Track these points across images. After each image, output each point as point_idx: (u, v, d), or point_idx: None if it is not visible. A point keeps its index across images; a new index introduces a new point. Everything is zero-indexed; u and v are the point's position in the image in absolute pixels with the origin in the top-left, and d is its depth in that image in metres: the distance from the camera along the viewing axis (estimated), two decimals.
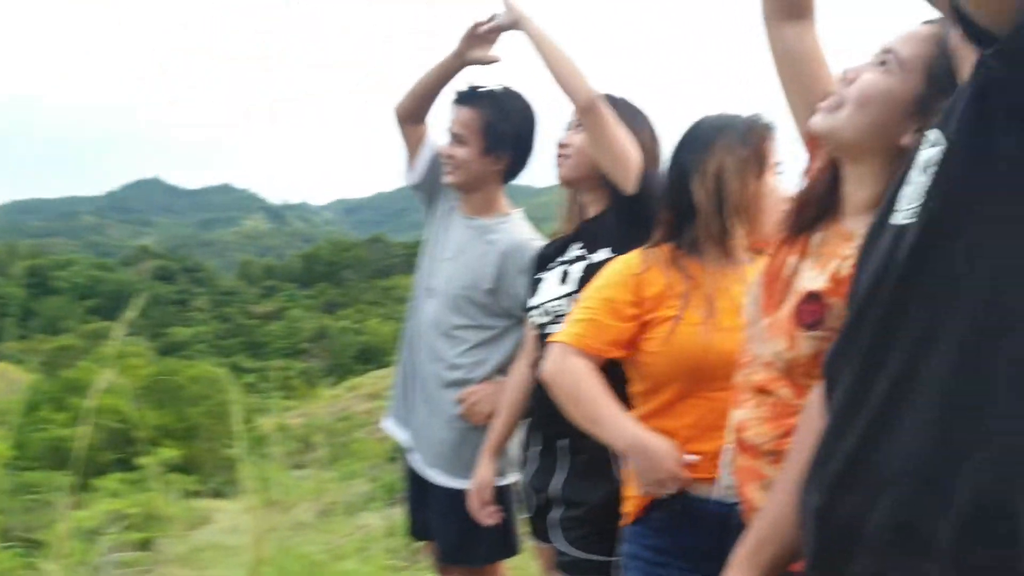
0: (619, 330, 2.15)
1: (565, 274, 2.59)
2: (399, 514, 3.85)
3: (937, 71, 1.49)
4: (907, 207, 1.16)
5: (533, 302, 2.64)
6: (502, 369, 2.92)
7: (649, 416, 2.17)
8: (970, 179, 1.07)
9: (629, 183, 2.47)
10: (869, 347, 1.15)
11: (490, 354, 2.92)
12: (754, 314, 1.75)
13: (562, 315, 2.51)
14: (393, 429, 3.13)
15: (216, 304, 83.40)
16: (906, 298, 1.11)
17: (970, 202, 1.06)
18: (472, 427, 2.89)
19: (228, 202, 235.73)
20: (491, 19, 2.82)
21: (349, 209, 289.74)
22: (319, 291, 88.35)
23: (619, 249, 2.44)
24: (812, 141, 1.82)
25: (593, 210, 2.66)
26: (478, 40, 2.88)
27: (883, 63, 1.55)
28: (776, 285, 1.70)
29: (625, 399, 2.23)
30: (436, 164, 3.06)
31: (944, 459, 1.03)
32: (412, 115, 3.08)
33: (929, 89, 1.50)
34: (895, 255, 1.14)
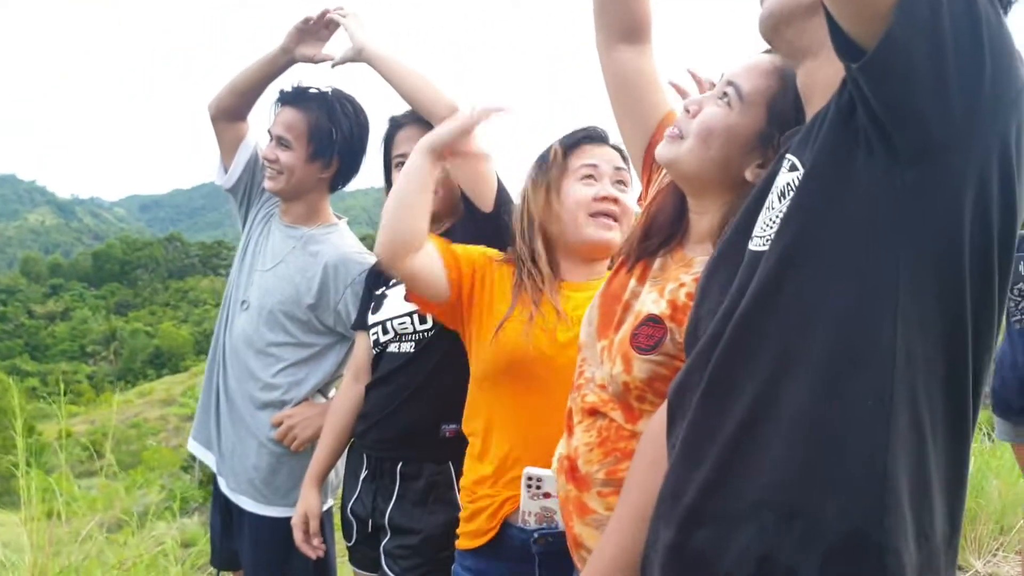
0: (461, 260, 2.16)
1: None
2: (194, 524, 3.67)
3: (779, 106, 1.48)
4: (763, 233, 1.14)
5: (374, 319, 2.50)
6: (322, 390, 2.75)
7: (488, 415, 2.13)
8: (829, 205, 1.05)
9: (488, 202, 2.38)
10: (722, 374, 1.11)
11: (309, 373, 2.71)
12: (590, 335, 1.72)
13: (407, 333, 2.41)
14: (198, 450, 2.87)
15: None
16: (762, 324, 1.08)
17: (828, 228, 1.05)
18: (286, 451, 2.69)
19: (11, 194, 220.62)
20: (323, 14, 2.64)
21: (144, 206, 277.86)
22: (110, 291, 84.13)
23: None
24: (646, 167, 1.81)
25: (435, 230, 2.52)
26: (308, 36, 2.68)
27: (724, 96, 1.53)
28: (614, 307, 1.67)
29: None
30: (253, 167, 2.85)
31: (808, 490, 1.00)
32: (230, 112, 2.82)
33: (771, 125, 1.49)
34: (751, 280, 1.11)
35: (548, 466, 1.86)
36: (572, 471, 1.67)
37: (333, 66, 2.59)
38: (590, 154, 2.06)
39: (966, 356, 1.03)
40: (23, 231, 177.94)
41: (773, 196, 1.16)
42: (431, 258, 2.11)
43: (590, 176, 2.04)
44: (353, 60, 2.52)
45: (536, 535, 1.97)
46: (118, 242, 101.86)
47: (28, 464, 3.99)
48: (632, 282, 1.67)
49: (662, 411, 1.34)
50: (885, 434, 0.98)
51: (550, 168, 2.09)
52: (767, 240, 1.12)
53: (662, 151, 1.58)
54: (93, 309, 77.08)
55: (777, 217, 1.11)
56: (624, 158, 2.07)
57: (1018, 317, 3.75)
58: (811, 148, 1.10)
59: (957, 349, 1.02)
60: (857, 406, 0.99)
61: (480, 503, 2.07)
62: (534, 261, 2.10)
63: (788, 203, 1.10)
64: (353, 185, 2.90)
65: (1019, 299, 3.74)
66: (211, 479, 2.96)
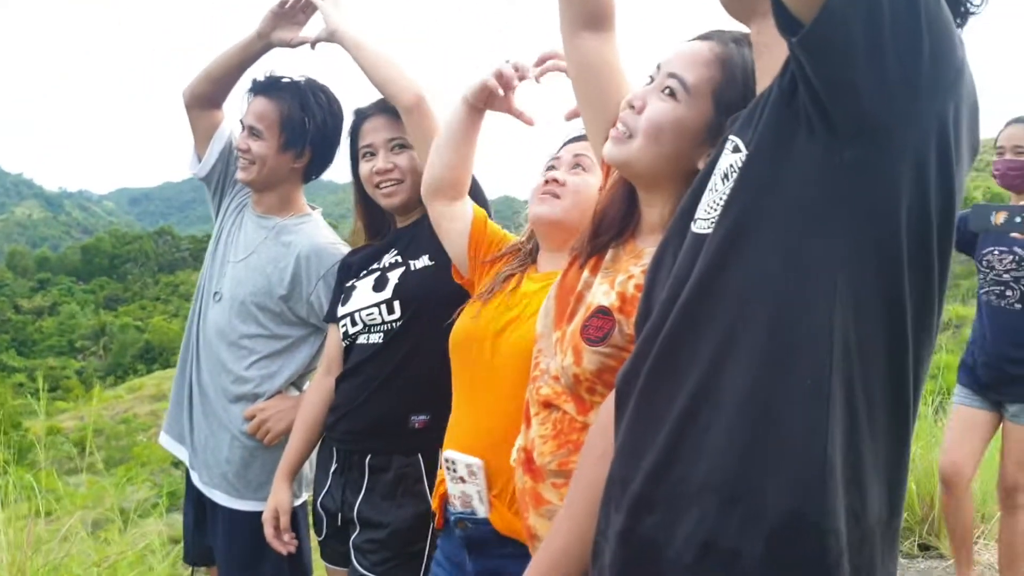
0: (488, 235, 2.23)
1: (381, 281, 2.45)
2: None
3: (726, 96, 1.48)
4: (707, 215, 1.14)
5: (343, 310, 2.48)
6: (295, 382, 2.73)
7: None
8: (771, 185, 1.05)
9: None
10: (666, 360, 1.11)
11: (282, 366, 2.69)
12: (546, 327, 1.73)
13: (376, 324, 2.40)
14: (170, 444, 2.84)
15: None
16: (705, 309, 1.08)
17: (769, 209, 1.04)
18: (259, 445, 2.66)
19: None
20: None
21: (134, 199, 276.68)
22: (99, 285, 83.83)
23: (437, 256, 2.37)
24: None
25: (402, 221, 2.55)
26: (284, 20, 2.64)
27: (669, 90, 1.51)
28: (569, 299, 1.68)
29: None
30: (227, 156, 2.81)
31: (749, 474, 1.01)
32: (205, 100, 2.79)
33: (719, 115, 1.48)
34: (695, 264, 1.11)
35: (470, 450, 1.92)
36: (528, 463, 1.69)
37: (312, 46, 2.57)
38: (563, 149, 2.07)
39: (905, 339, 1.03)
40: (9, 224, 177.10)
41: (716, 178, 1.16)
42: (462, 222, 2.20)
43: (552, 168, 2.05)
44: (327, 40, 2.50)
45: (454, 519, 1.98)
46: (107, 236, 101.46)
47: (7, 463, 3.97)
48: (585, 274, 1.67)
49: (610, 401, 1.34)
50: (824, 416, 0.99)
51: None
52: (711, 223, 1.11)
53: (610, 152, 1.57)
54: (82, 304, 76.81)
55: (721, 199, 1.11)
56: None
57: (986, 290, 3.80)
58: (753, 129, 1.10)
59: (896, 331, 1.02)
60: (796, 389, 1.00)
61: (440, 486, 2.08)
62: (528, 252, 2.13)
63: (731, 184, 1.10)
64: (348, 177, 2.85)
65: (987, 270, 3.79)
66: None
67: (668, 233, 1.29)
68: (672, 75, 1.50)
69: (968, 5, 1.14)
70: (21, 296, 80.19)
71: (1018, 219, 3.47)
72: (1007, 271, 3.74)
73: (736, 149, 1.13)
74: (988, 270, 3.80)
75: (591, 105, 1.76)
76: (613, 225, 1.67)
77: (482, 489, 1.91)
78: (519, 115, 2.17)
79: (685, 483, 1.05)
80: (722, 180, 1.13)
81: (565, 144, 2.08)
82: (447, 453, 1.99)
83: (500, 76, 2.10)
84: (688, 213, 1.21)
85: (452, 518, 1.99)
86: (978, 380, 3.87)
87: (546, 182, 2.01)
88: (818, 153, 1.01)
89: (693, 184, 1.26)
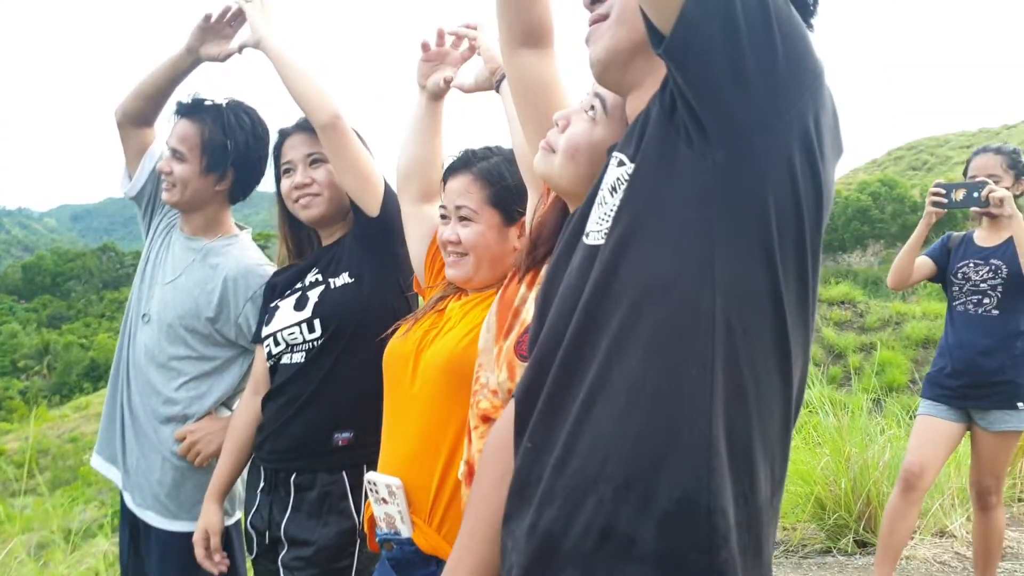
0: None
1: (301, 300, 2.48)
2: None
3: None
4: (599, 227, 1.19)
5: (267, 331, 2.51)
6: (225, 403, 2.74)
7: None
8: (656, 192, 1.11)
9: (375, 205, 2.41)
10: (570, 363, 1.15)
11: (212, 387, 2.69)
12: (487, 341, 1.75)
13: (298, 343, 2.43)
14: (102, 466, 2.83)
15: None
16: (598, 313, 1.13)
17: (655, 212, 1.11)
18: (191, 466, 2.66)
19: None
20: (224, 12, 2.61)
21: (76, 215, 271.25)
22: (41, 304, 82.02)
23: (357, 273, 2.42)
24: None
25: (327, 239, 2.59)
26: (211, 34, 2.65)
27: (592, 109, 1.56)
28: (507, 315, 1.70)
29: None
30: (157, 176, 2.80)
31: (641, 461, 1.04)
32: (136, 118, 2.79)
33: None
34: (588, 273, 1.16)
35: (391, 469, 1.93)
36: (470, 476, 1.69)
37: (240, 51, 2.58)
38: (446, 196, 2.09)
39: (785, 324, 1.09)
40: None
41: (604, 192, 1.21)
42: (427, 227, 2.23)
43: (444, 217, 2.09)
44: (252, 47, 2.51)
45: (380, 540, 2.00)
46: (49, 253, 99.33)
47: None
48: (523, 289, 1.70)
49: (506, 418, 1.36)
50: (708, 400, 1.03)
51: None
52: (603, 234, 1.17)
53: (537, 163, 1.60)
54: (24, 323, 75.07)
55: (611, 210, 1.17)
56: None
57: (961, 300, 3.93)
58: (636, 144, 1.17)
59: (776, 317, 1.08)
60: (681, 374, 1.04)
61: (368, 508, 2.08)
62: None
63: (620, 196, 1.16)
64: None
65: (962, 282, 3.92)
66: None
67: (559, 251, 1.34)
68: (596, 95, 1.55)
69: (810, 5, 1.22)
70: None
71: (975, 193, 3.64)
72: (984, 280, 3.88)
73: (621, 163, 1.20)
74: (964, 282, 3.93)
75: (530, 120, 1.79)
76: (549, 239, 1.69)
77: (403, 509, 1.92)
78: (460, 86, 2.23)
79: (582, 474, 1.08)
80: (610, 193, 1.19)
81: (444, 181, 2.11)
82: (368, 475, 2.00)
83: (424, 46, 2.24)
84: (579, 229, 1.27)
85: (379, 539, 2.00)
86: (949, 391, 3.95)
87: (445, 244, 2.05)
88: (694, 157, 1.07)
89: (583, 202, 1.32)
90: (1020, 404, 3.86)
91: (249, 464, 2.60)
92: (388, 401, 2.07)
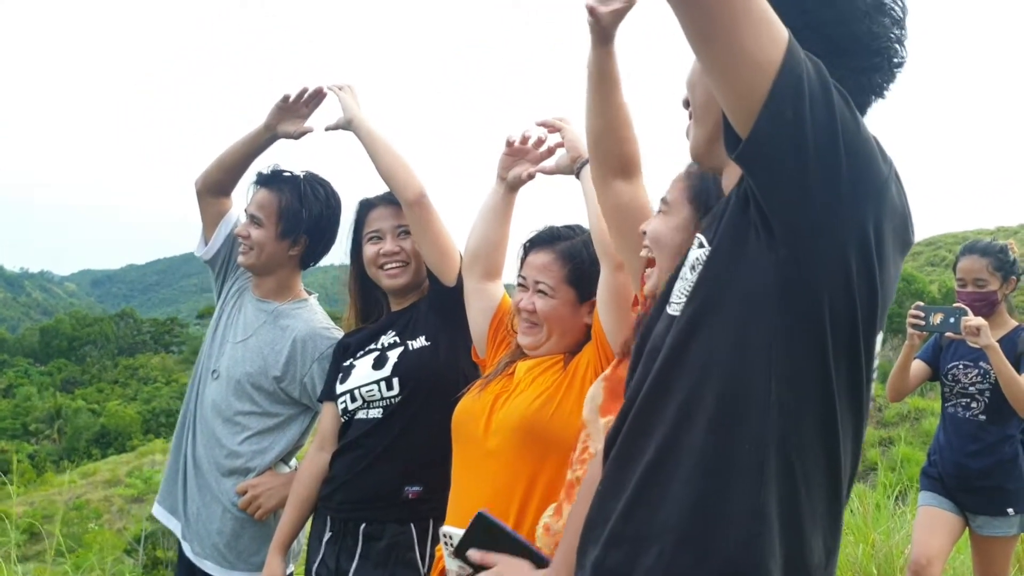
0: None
1: (380, 359, 2.60)
2: None
3: (699, 196, 1.76)
4: (678, 300, 1.32)
5: (342, 388, 2.62)
6: (285, 459, 2.86)
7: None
8: (726, 276, 1.24)
9: (452, 277, 2.55)
10: (641, 420, 1.29)
11: (273, 442, 2.82)
12: (592, 411, 1.86)
13: (375, 400, 2.55)
14: (163, 516, 2.95)
15: None
16: (670, 378, 1.26)
17: (724, 295, 1.24)
18: (250, 517, 2.78)
19: None
20: (301, 93, 2.80)
21: (96, 281, 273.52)
22: (56, 367, 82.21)
23: (433, 337, 2.57)
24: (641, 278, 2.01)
25: (398, 304, 2.72)
26: (288, 113, 2.84)
27: (661, 210, 1.81)
28: (618, 389, 1.81)
29: None
30: (232, 241, 2.99)
31: (700, 521, 1.18)
32: (216, 187, 2.99)
33: (698, 211, 1.75)
34: (665, 340, 1.30)
35: (465, 524, 1.97)
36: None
37: (326, 129, 2.75)
38: (526, 267, 2.28)
39: (835, 410, 1.21)
40: None
41: (686, 268, 1.35)
42: (489, 303, 2.39)
43: (522, 285, 2.28)
44: (343, 128, 2.68)
45: None
46: (67, 317, 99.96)
47: None
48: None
49: (600, 455, 1.50)
50: (759, 474, 1.17)
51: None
52: (680, 307, 1.30)
53: (648, 287, 1.82)
54: (38, 386, 75.21)
55: (689, 287, 1.30)
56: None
57: (952, 402, 3.90)
58: (715, 228, 1.31)
59: (827, 404, 1.20)
60: (737, 449, 1.18)
61: (439, 561, 2.17)
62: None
63: (696, 275, 1.29)
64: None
65: (952, 384, 3.89)
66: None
67: (651, 314, 1.47)
68: (662, 199, 1.82)
69: (877, 86, 1.34)
70: None
71: (952, 319, 3.61)
72: (972, 383, 3.86)
73: (701, 245, 1.33)
74: (954, 383, 3.92)
75: (625, 241, 1.95)
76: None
77: None
78: (542, 170, 2.38)
79: (648, 524, 1.22)
80: (690, 270, 1.32)
81: (525, 256, 2.29)
82: (443, 528, 2.08)
83: (509, 142, 2.39)
84: (665, 297, 1.40)
85: None
86: (944, 486, 3.96)
87: (520, 311, 2.24)
88: (763, 249, 1.20)
89: (671, 274, 1.46)
90: (1010, 511, 3.83)
91: (313, 515, 2.69)
92: (459, 457, 2.19)
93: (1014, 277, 3.88)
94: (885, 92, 1.35)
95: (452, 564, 2.04)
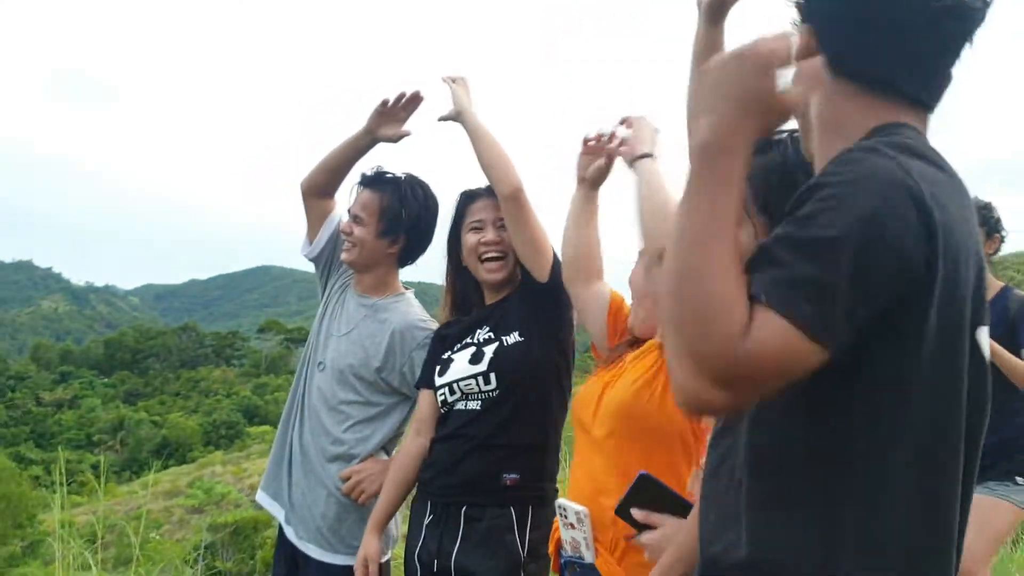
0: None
1: (477, 355, 2.71)
2: None
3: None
4: None
5: (441, 380, 2.74)
6: (385, 447, 2.98)
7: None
8: None
9: (544, 272, 2.65)
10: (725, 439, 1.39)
11: (376, 430, 2.96)
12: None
13: (473, 393, 2.67)
14: (267, 502, 3.09)
15: (1, 389, 77.76)
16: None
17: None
18: (353, 502, 2.91)
19: (26, 280, 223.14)
20: (399, 98, 2.92)
21: (159, 295, 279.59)
22: (120, 380, 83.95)
23: (526, 332, 2.67)
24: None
25: (491, 297, 2.82)
26: (387, 118, 2.97)
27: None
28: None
29: None
30: (335, 240, 3.12)
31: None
32: (320, 189, 3.13)
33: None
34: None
35: (579, 499, 2.14)
36: None
37: (438, 120, 2.86)
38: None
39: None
40: (35, 317, 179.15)
41: None
42: (599, 304, 2.48)
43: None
44: (452, 120, 2.80)
45: (564, 563, 2.19)
46: (131, 330, 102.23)
47: (14, 557, 3.84)
48: None
49: None
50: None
51: None
52: None
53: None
54: (102, 398, 76.87)
55: None
56: None
57: None
58: None
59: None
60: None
61: (555, 532, 2.28)
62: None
63: None
64: None
65: None
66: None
67: None
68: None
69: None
70: (43, 388, 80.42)
71: None
72: None
73: None
74: None
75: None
76: None
77: (588, 536, 2.10)
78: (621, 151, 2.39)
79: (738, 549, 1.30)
80: None
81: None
82: (559, 501, 2.20)
83: (584, 143, 2.46)
84: None
85: (563, 561, 2.20)
86: None
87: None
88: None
89: None
90: (1020, 479, 3.68)
91: (413, 501, 2.84)
92: (577, 438, 2.30)
93: (997, 235, 3.66)
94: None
95: (566, 535, 2.15)
